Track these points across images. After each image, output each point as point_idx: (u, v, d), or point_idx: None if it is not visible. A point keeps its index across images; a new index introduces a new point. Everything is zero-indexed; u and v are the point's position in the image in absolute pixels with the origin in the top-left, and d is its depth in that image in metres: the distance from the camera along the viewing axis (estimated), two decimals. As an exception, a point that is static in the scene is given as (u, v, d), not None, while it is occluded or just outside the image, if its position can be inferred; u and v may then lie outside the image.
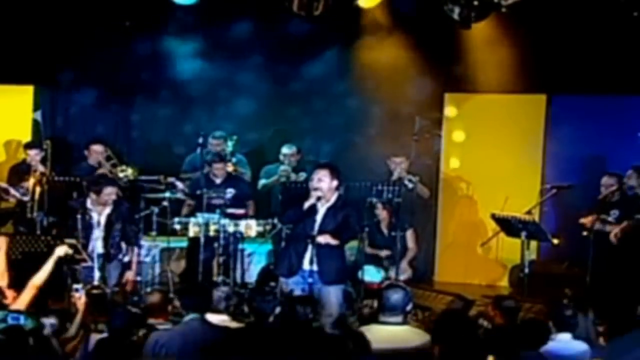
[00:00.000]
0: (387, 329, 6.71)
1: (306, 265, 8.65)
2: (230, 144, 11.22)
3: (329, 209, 8.74)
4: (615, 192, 10.31)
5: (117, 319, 6.80)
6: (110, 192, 9.55)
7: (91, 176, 10.45)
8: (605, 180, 10.32)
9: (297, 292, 8.50)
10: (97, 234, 9.49)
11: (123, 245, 9.61)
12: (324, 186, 8.69)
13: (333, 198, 8.78)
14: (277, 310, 7.03)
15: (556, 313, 6.89)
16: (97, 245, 9.45)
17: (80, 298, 7.51)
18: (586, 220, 10.16)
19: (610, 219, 10.11)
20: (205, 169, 10.92)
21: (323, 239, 8.63)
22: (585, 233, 10.36)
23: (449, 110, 12.29)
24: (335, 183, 8.76)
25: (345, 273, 9.06)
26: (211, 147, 11.31)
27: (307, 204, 8.68)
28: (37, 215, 10.59)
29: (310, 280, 8.63)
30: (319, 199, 8.66)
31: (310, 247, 8.62)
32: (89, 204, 9.58)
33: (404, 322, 6.85)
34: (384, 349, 6.53)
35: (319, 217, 8.72)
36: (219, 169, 10.78)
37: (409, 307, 6.95)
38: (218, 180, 10.78)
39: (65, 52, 12.16)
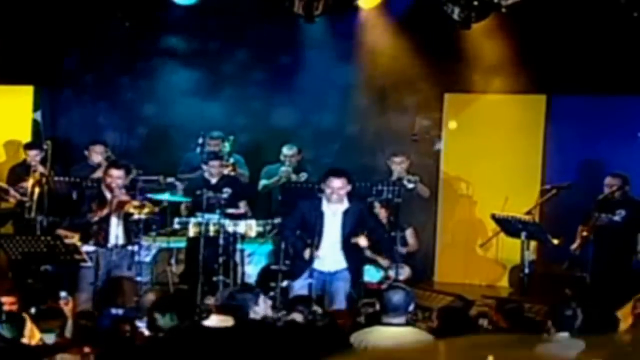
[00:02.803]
0: (391, 330, 6.71)
1: (330, 267, 8.84)
2: (227, 144, 11.22)
3: (344, 213, 8.92)
4: (616, 192, 10.33)
5: (104, 320, 6.81)
6: (116, 176, 9.45)
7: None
8: (609, 180, 10.35)
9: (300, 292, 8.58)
10: (116, 220, 9.47)
11: (142, 238, 9.65)
12: (343, 193, 8.89)
13: (346, 202, 8.91)
14: (260, 308, 7.07)
15: (556, 313, 6.90)
16: (116, 233, 9.46)
17: (67, 304, 7.53)
18: (586, 231, 10.22)
19: (616, 218, 10.13)
20: (203, 169, 10.92)
21: (360, 241, 8.89)
22: (585, 233, 10.38)
23: (449, 110, 12.28)
24: (348, 188, 8.94)
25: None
26: (209, 147, 11.31)
27: (306, 256, 8.88)
28: (37, 215, 10.59)
29: (310, 280, 8.70)
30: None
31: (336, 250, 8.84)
32: (104, 190, 9.56)
33: (407, 323, 6.86)
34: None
35: (337, 221, 8.86)
36: (215, 166, 10.78)
37: (411, 308, 6.96)
38: (214, 180, 10.77)
39: (65, 52, 12.17)
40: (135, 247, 9.59)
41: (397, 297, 6.80)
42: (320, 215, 8.87)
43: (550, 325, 6.85)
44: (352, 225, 8.90)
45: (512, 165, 11.84)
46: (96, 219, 9.38)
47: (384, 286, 8.90)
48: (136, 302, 9.42)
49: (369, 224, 9.06)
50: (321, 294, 8.82)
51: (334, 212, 8.89)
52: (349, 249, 8.88)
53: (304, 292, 8.71)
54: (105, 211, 9.36)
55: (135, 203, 9.51)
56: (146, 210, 9.57)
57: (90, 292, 9.14)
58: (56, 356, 6.45)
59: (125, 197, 9.48)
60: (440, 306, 8.55)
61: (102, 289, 9.32)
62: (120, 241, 9.44)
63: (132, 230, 9.55)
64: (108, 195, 9.46)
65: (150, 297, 7.70)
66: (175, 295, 9.39)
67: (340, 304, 8.77)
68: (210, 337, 6.49)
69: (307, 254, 8.83)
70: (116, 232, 9.46)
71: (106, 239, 9.40)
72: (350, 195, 9.02)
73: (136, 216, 9.50)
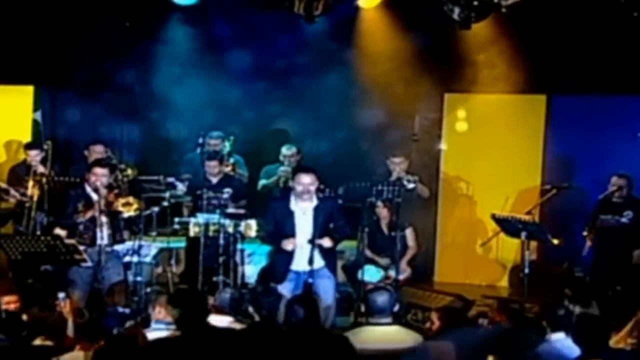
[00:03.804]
0: (379, 330, 6.77)
1: (306, 266, 8.69)
2: (227, 144, 11.22)
3: (315, 210, 8.86)
4: (616, 192, 10.35)
5: (110, 320, 6.81)
6: (100, 174, 9.41)
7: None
8: (614, 180, 10.40)
9: (287, 294, 8.56)
10: (101, 219, 9.44)
11: (127, 237, 9.63)
12: (313, 189, 8.85)
13: (315, 199, 8.89)
14: (283, 309, 7.11)
15: (549, 313, 6.91)
16: (101, 233, 9.43)
17: (65, 306, 7.54)
18: (592, 233, 10.28)
19: (624, 219, 10.15)
20: (204, 169, 10.92)
21: (324, 242, 8.79)
22: (585, 233, 10.40)
23: (449, 110, 12.28)
24: (316, 184, 8.94)
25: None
26: (209, 147, 11.31)
27: (288, 247, 8.79)
28: (37, 216, 10.59)
29: (310, 280, 8.68)
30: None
31: (309, 249, 8.71)
32: (88, 189, 9.51)
33: (394, 323, 6.89)
34: (379, 349, 6.58)
35: (308, 219, 8.81)
36: (213, 166, 10.77)
37: (396, 308, 7.01)
38: (214, 180, 10.76)
39: (65, 52, 12.16)
40: (121, 247, 9.59)
41: (381, 298, 6.86)
42: (290, 215, 8.86)
43: (545, 326, 6.86)
44: (322, 222, 8.86)
45: (512, 166, 11.85)
46: (81, 219, 9.38)
47: (367, 289, 8.86)
48: (135, 302, 9.47)
49: (338, 222, 9.03)
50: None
51: (303, 211, 8.86)
52: (322, 247, 8.85)
53: (287, 294, 8.63)
54: (90, 213, 9.37)
55: (122, 200, 9.51)
56: (134, 207, 9.56)
57: (83, 292, 9.14)
58: (64, 355, 6.46)
59: (111, 196, 9.48)
60: (440, 306, 8.54)
61: (93, 288, 9.32)
62: (108, 241, 9.44)
63: (120, 230, 9.57)
64: (93, 194, 9.46)
65: (164, 299, 7.72)
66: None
67: (327, 302, 8.71)
68: (212, 338, 6.51)
69: (287, 244, 8.79)
70: (104, 232, 9.45)
71: (93, 239, 9.40)
72: (320, 193, 9.04)
73: (125, 214, 9.50)
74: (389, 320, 6.84)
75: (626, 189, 10.37)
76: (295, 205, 8.90)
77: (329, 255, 8.95)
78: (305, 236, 8.84)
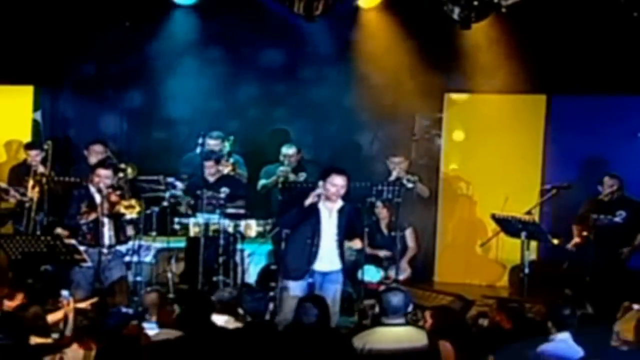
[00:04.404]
0: (393, 331, 6.78)
1: (325, 266, 8.70)
2: (227, 144, 11.22)
3: (339, 212, 8.75)
4: (616, 193, 10.38)
5: (112, 319, 6.81)
6: (104, 175, 9.45)
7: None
8: (606, 180, 10.42)
9: (299, 293, 8.52)
10: (104, 220, 9.46)
11: (130, 234, 9.64)
12: (343, 192, 8.71)
13: (340, 201, 8.79)
14: (271, 307, 7.09)
15: (554, 312, 6.91)
16: (104, 234, 9.45)
17: (68, 304, 7.55)
18: (586, 231, 10.28)
19: (617, 219, 10.16)
20: (203, 169, 10.93)
21: (355, 244, 8.82)
22: (585, 233, 10.40)
23: (449, 110, 12.29)
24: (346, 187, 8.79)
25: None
26: (209, 147, 11.32)
27: (308, 202, 8.60)
28: (37, 216, 10.59)
29: (310, 280, 8.65)
30: (318, 196, 8.62)
31: (314, 248, 8.64)
32: (92, 189, 9.55)
33: (407, 323, 6.91)
34: (393, 350, 6.63)
35: (333, 220, 8.70)
36: (209, 167, 10.77)
37: (409, 308, 7.01)
38: (212, 180, 10.77)
39: (65, 52, 12.17)
40: (124, 248, 9.59)
41: (396, 298, 6.86)
42: (316, 214, 8.73)
43: (550, 326, 6.86)
44: (345, 224, 8.78)
45: (512, 165, 11.85)
46: (84, 221, 9.40)
47: (382, 287, 8.88)
48: (135, 301, 9.48)
49: (358, 223, 8.99)
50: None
51: (329, 211, 8.78)
52: (343, 249, 8.81)
53: (300, 293, 8.58)
54: (93, 215, 9.40)
55: (125, 203, 9.52)
56: (137, 209, 9.57)
57: (85, 292, 9.15)
58: (62, 351, 6.47)
59: (114, 197, 9.49)
60: (433, 305, 8.54)
61: (95, 289, 9.31)
62: (111, 241, 9.47)
63: (123, 230, 9.57)
64: (97, 195, 9.48)
65: (153, 296, 7.71)
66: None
67: (332, 307, 8.62)
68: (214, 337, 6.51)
69: (311, 197, 8.60)
70: (106, 232, 9.47)
71: (96, 239, 9.40)
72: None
73: (128, 216, 9.50)
74: (402, 320, 6.83)
75: (621, 189, 10.41)
76: (321, 204, 8.73)
77: (346, 258, 8.92)
78: (329, 237, 8.72)
